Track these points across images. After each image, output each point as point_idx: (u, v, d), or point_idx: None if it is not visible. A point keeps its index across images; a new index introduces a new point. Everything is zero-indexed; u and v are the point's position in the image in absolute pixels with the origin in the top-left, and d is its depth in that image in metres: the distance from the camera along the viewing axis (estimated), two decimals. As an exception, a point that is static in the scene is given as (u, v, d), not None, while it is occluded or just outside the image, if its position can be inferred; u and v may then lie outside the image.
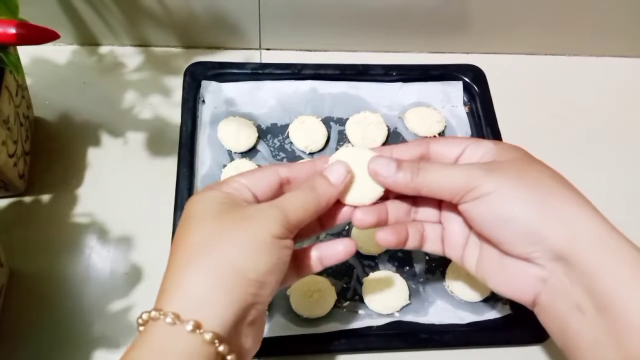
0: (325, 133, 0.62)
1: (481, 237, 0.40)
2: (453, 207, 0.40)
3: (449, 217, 0.43)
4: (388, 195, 0.42)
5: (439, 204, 0.43)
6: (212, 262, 0.33)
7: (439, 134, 0.64)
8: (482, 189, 0.36)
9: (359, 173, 0.40)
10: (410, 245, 0.42)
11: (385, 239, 0.40)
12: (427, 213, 0.43)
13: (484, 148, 0.40)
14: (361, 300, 0.54)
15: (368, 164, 0.40)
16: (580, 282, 0.34)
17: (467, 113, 0.66)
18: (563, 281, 0.35)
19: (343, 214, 0.41)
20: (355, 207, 0.40)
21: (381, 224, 0.42)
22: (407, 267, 0.56)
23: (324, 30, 0.68)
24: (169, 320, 0.30)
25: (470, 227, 0.41)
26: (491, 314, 0.54)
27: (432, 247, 0.43)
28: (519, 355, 0.54)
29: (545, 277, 0.36)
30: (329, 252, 0.40)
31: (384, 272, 0.55)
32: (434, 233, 0.43)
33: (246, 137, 0.60)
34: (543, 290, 0.37)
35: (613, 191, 0.65)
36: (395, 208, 0.43)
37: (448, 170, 0.38)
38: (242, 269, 0.33)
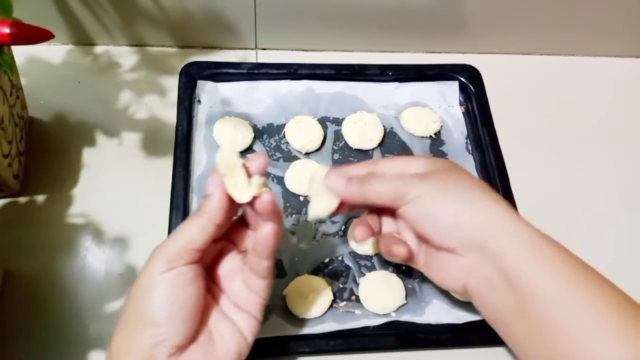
0: (322, 133, 0.62)
1: (419, 236, 0.47)
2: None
3: (402, 226, 0.49)
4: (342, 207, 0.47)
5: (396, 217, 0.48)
6: (125, 315, 0.38)
7: (435, 134, 0.64)
8: (414, 193, 0.43)
9: (316, 188, 0.47)
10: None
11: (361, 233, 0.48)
12: (389, 226, 0.50)
13: (420, 162, 0.46)
14: (358, 300, 0.54)
15: (324, 178, 0.46)
16: (494, 264, 0.40)
17: (463, 113, 0.66)
18: (482, 266, 0.41)
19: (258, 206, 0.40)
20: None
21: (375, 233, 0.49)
22: (404, 267, 0.56)
23: (320, 30, 0.68)
24: None
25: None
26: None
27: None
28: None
29: (469, 265, 0.42)
30: (257, 244, 0.40)
31: (381, 272, 0.55)
32: None
33: (242, 137, 0.60)
34: (470, 279, 0.43)
35: (608, 190, 0.65)
36: (373, 222, 0.49)
37: (387, 180, 0.45)
38: (136, 314, 0.38)
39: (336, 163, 0.61)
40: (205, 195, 0.40)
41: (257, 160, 0.40)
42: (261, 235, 0.39)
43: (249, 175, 0.39)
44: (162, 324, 0.37)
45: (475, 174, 0.63)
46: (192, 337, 0.39)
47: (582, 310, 0.37)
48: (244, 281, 0.42)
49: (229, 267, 0.43)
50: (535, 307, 0.39)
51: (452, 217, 0.42)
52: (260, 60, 0.69)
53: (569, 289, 0.38)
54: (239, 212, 0.43)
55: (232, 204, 0.39)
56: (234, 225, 0.44)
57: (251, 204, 0.39)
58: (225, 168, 0.39)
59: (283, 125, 0.62)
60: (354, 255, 0.57)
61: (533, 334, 0.39)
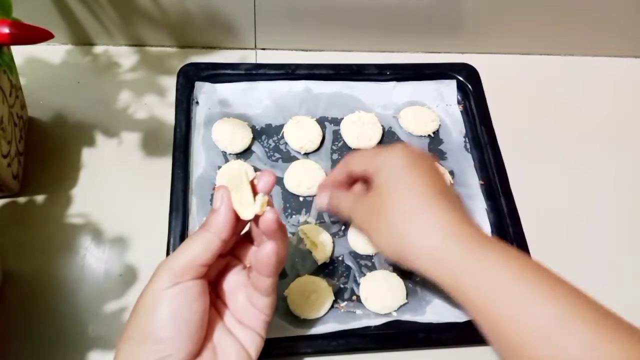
0: (320, 133, 0.62)
1: None
2: None
3: None
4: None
5: None
6: (129, 330, 0.38)
7: (434, 133, 0.64)
8: (362, 230, 0.46)
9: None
10: None
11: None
12: None
13: (372, 170, 0.47)
14: (359, 300, 0.54)
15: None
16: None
17: (461, 112, 0.66)
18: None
19: (262, 225, 0.39)
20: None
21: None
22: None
23: (319, 30, 0.68)
24: None
25: None
26: (488, 313, 0.54)
27: None
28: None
29: None
30: (259, 263, 0.40)
31: (381, 272, 0.55)
32: None
33: (241, 138, 0.60)
34: None
35: (607, 190, 0.66)
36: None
37: (345, 209, 0.49)
38: (140, 329, 0.37)
39: (335, 163, 0.61)
40: (211, 210, 0.39)
41: (264, 179, 0.40)
42: (262, 254, 0.39)
43: (255, 193, 0.39)
44: (167, 339, 0.37)
45: (474, 172, 0.63)
46: (197, 352, 0.38)
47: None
48: (247, 298, 0.42)
49: (234, 283, 0.42)
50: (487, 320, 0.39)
51: (393, 255, 0.44)
52: (260, 60, 0.69)
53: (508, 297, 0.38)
54: (246, 228, 0.43)
55: (238, 220, 0.39)
56: (239, 241, 0.43)
57: (256, 221, 0.39)
58: (233, 183, 0.39)
59: (281, 126, 0.62)
60: (355, 255, 0.57)
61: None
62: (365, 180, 0.50)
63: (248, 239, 0.43)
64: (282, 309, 0.53)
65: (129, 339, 0.37)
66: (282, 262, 0.40)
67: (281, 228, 0.39)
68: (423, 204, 0.43)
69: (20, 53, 0.61)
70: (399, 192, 0.44)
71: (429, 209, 0.42)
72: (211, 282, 0.41)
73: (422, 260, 0.42)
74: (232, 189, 0.39)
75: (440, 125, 0.65)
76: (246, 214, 0.38)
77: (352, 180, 0.52)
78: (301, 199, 0.59)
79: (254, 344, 0.41)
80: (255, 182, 0.40)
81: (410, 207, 0.43)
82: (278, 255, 0.39)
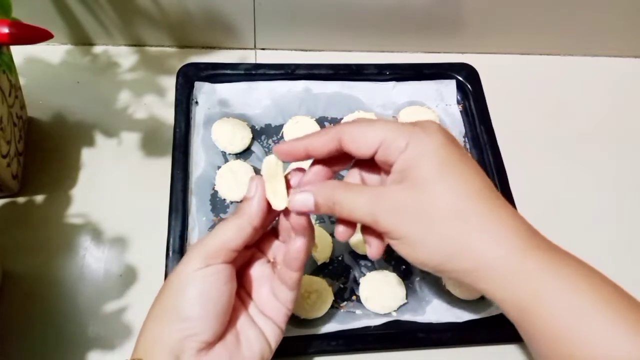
0: (321, 133, 0.62)
1: None
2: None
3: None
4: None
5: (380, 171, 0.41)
6: (156, 309, 0.39)
7: (434, 133, 0.64)
8: (390, 235, 0.37)
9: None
10: None
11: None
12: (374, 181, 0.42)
13: (396, 151, 0.37)
14: (358, 300, 0.54)
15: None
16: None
17: (460, 112, 0.66)
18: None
19: (293, 220, 0.40)
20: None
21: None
22: (404, 267, 0.56)
23: (318, 30, 0.68)
24: None
25: None
26: (489, 312, 0.54)
27: None
28: (517, 352, 0.54)
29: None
30: (288, 257, 0.41)
31: (381, 272, 0.55)
32: None
33: (240, 138, 0.60)
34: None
35: (607, 190, 0.66)
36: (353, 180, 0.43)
37: (357, 208, 0.38)
38: (168, 308, 0.39)
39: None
40: (244, 198, 0.41)
41: (298, 175, 0.41)
42: (293, 249, 0.40)
43: (289, 187, 0.40)
44: (195, 318, 0.38)
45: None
46: (221, 335, 0.39)
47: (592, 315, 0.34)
48: (271, 290, 0.43)
49: (258, 274, 0.44)
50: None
51: (437, 267, 0.37)
52: (260, 60, 0.69)
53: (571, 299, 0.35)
54: (273, 223, 0.45)
55: (270, 210, 0.40)
56: (264, 235, 0.45)
57: (286, 215, 0.41)
58: (268, 175, 0.40)
59: (281, 126, 0.62)
60: (354, 255, 0.57)
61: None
62: (363, 163, 0.41)
63: (272, 234, 0.45)
64: (282, 309, 0.53)
65: (154, 317, 0.39)
66: (308, 256, 0.41)
67: (310, 224, 0.40)
68: (486, 204, 0.35)
69: (19, 53, 0.61)
70: (451, 187, 0.35)
71: (497, 211, 0.35)
72: (237, 271, 0.42)
73: (488, 274, 0.35)
74: (267, 180, 0.40)
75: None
76: (279, 205, 0.40)
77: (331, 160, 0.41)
78: (301, 199, 0.59)
79: (274, 335, 0.42)
80: (289, 177, 0.41)
81: (469, 208, 0.35)
82: (307, 251, 0.41)
